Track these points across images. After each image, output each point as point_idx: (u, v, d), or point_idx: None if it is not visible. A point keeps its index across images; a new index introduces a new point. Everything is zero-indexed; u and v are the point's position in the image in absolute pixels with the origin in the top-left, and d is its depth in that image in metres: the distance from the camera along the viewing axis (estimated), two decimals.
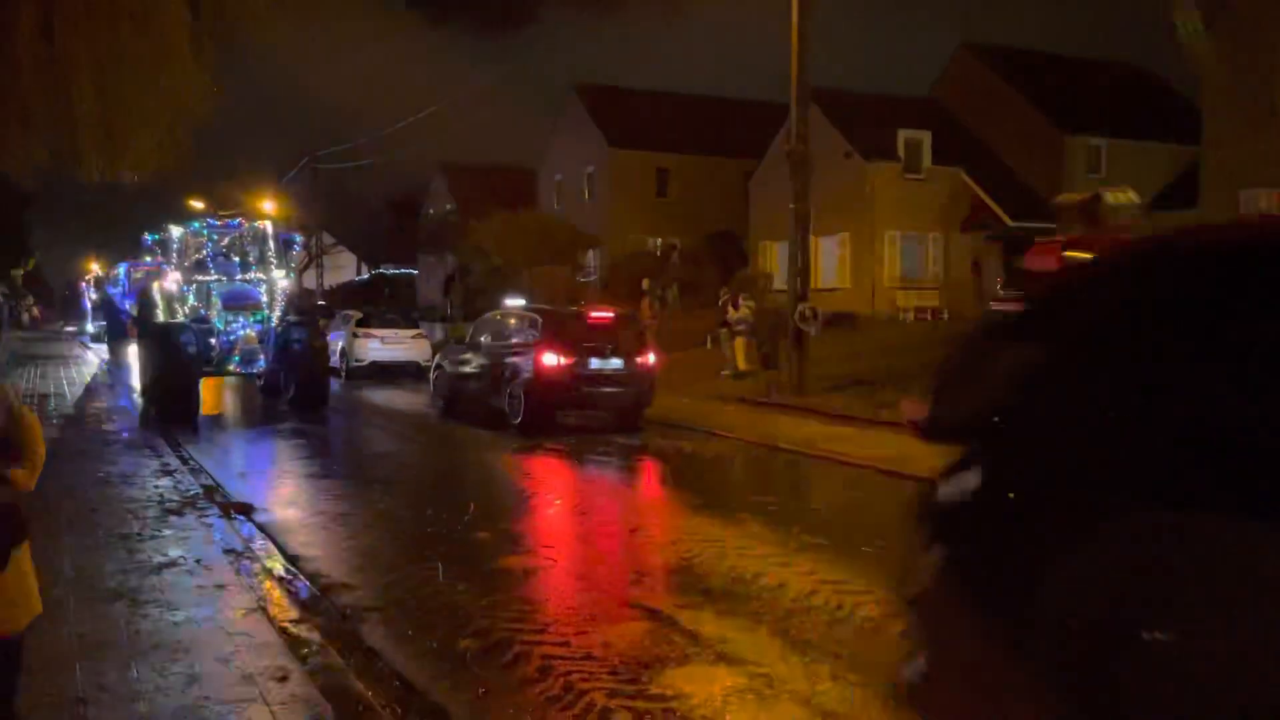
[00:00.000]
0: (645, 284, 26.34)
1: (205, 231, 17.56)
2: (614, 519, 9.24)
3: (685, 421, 15.03)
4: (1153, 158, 33.08)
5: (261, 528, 8.08)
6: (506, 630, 5.66)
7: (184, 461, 11.03)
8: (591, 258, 39.75)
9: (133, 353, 25.58)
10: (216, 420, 16.04)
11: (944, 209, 32.50)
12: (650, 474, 11.79)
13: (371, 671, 4.98)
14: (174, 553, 6.90)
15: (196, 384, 15.06)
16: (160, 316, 16.39)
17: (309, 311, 21.94)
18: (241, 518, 8.27)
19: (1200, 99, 23.56)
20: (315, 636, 5.31)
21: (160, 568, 6.52)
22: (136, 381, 18.07)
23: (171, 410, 14.22)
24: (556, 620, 5.95)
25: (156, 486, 9.34)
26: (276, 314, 16.95)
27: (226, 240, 17.74)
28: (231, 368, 16.55)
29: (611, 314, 15.84)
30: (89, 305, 46.27)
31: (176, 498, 8.81)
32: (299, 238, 18.02)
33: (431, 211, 51.57)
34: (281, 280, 17.49)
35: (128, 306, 27.74)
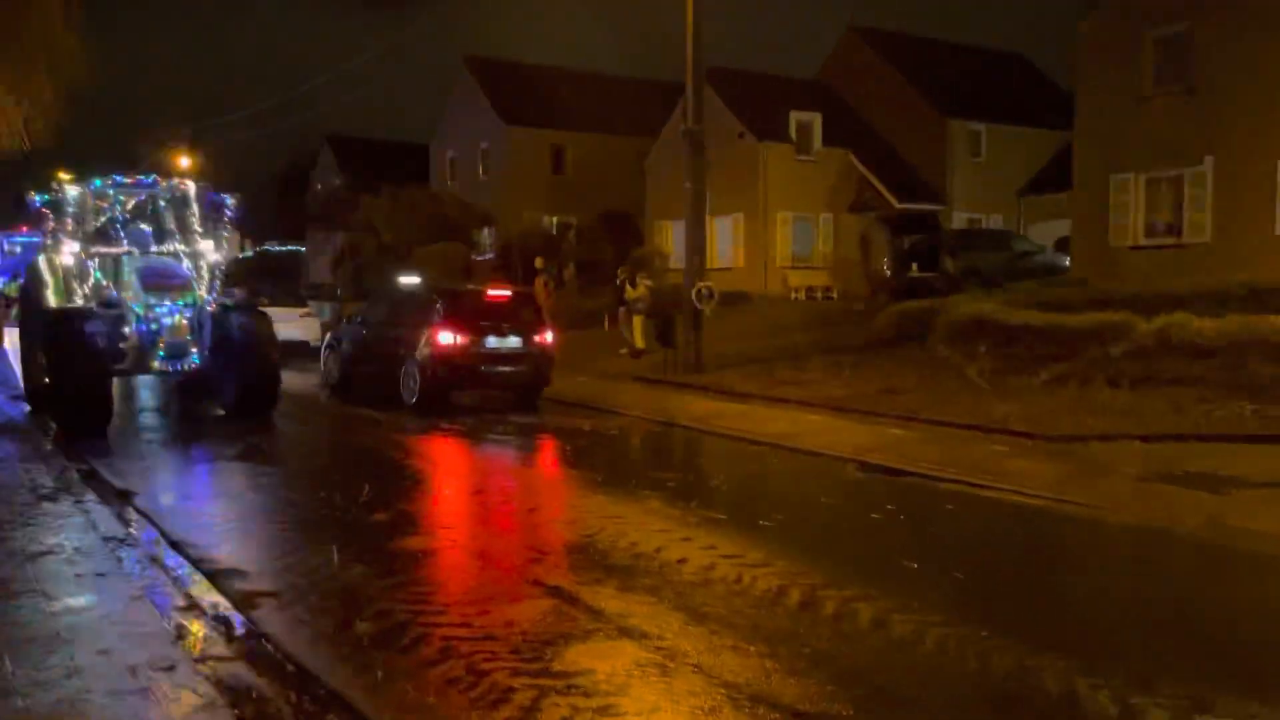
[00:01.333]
0: (539, 263, 26.16)
1: (111, 191, 13.92)
2: (513, 498, 9.18)
3: (584, 400, 15.02)
4: (1030, 142, 34.38)
5: (143, 513, 7.76)
6: (406, 612, 5.57)
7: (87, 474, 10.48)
8: (486, 236, 39.24)
9: (11, 344, 23.73)
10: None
11: (833, 190, 33.18)
12: (549, 453, 11.75)
13: (265, 659, 4.83)
14: (50, 541, 6.57)
15: (108, 386, 11.86)
16: (53, 300, 12.93)
17: (250, 292, 18.66)
18: (119, 503, 7.92)
19: (1074, 85, 24.57)
20: (203, 625, 5.13)
21: (35, 556, 6.20)
22: (18, 382, 14.82)
23: (77, 420, 11.52)
24: (457, 601, 5.89)
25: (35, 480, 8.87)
26: (207, 295, 13.49)
27: (133, 204, 14.20)
28: (156, 364, 12.83)
29: (509, 292, 15.71)
30: None
31: (50, 483, 8.38)
32: (230, 200, 14.13)
33: (320, 187, 50.09)
34: (211, 253, 13.87)
35: (1, 284, 25.64)
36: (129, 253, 13.45)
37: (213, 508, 8.39)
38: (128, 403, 15.58)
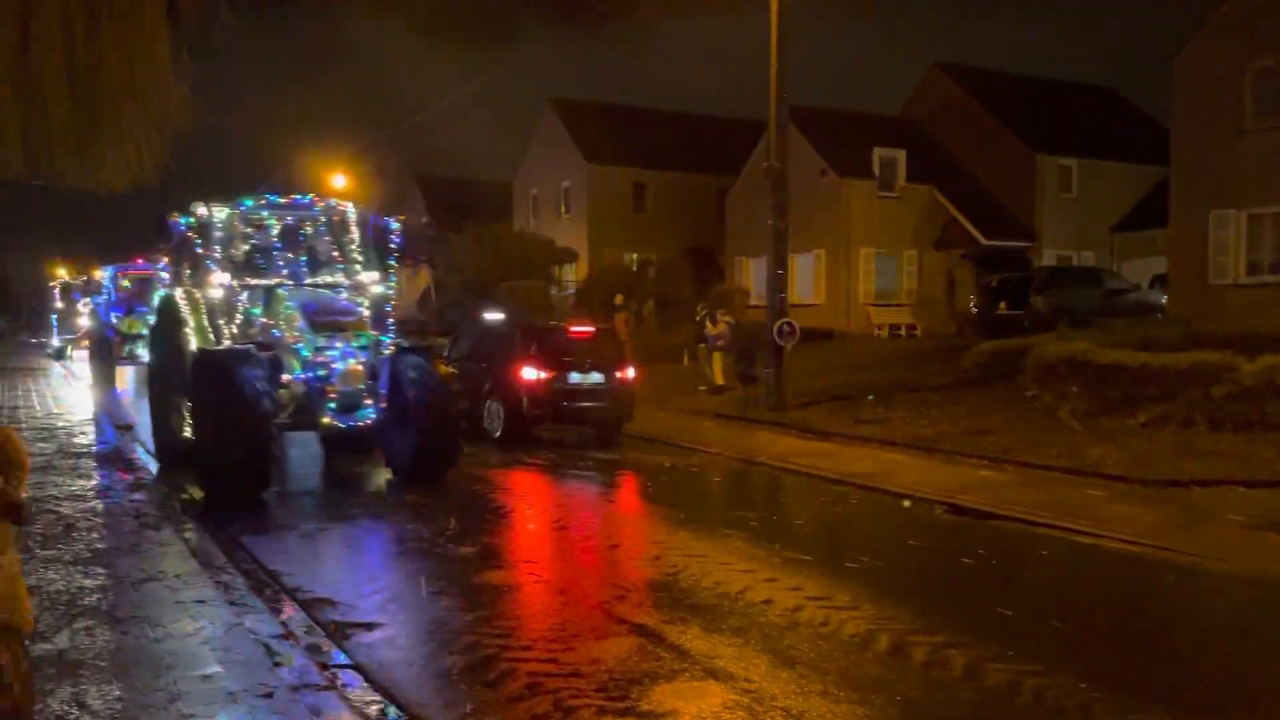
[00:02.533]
0: (619, 299, 26.36)
1: (265, 213, 12.01)
2: (595, 534, 9.20)
3: (664, 436, 15.03)
4: (1122, 178, 33.55)
5: (240, 543, 7.99)
6: (493, 646, 5.62)
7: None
8: (567, 272, 39.72)
9: (133, 384, 22.53)
10: None
11: (918, 226, 32.79)
12: (631, 489, 11.76)
13: (356, 688, 4.93)
14: (153, 568, 6.80)
15: (268, 446, 9.69)
16: (194, 340, 10.94)
17: (423, 332, 16.05)
18: (220, 532, 8.17)
19: (1169, 120, 23.96)
20: (299, 653, 5.25)
21: (138, 584, 6.42)
22: (148, 434, 12.49)
23: (228, 486, 9.37)
24: (542, 636, 5.91)
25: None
26: (383, 335, 11.25)
27: (278, 228, 12.17)
28: (325, 419, 10.64)
29: (591, 329, 15.85)
30: (55, 316, 39.36)
31: (152, 511, 8.69)
32: (395, 224, 12.15)
33: (408, 225, 51.35)
34: (375, 286, 11.89)
35: (114, 319, 22.84)
36: (285, 284, 11.52)
37: (304, 537, 8.59)
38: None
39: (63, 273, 50.62)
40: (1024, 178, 33.54)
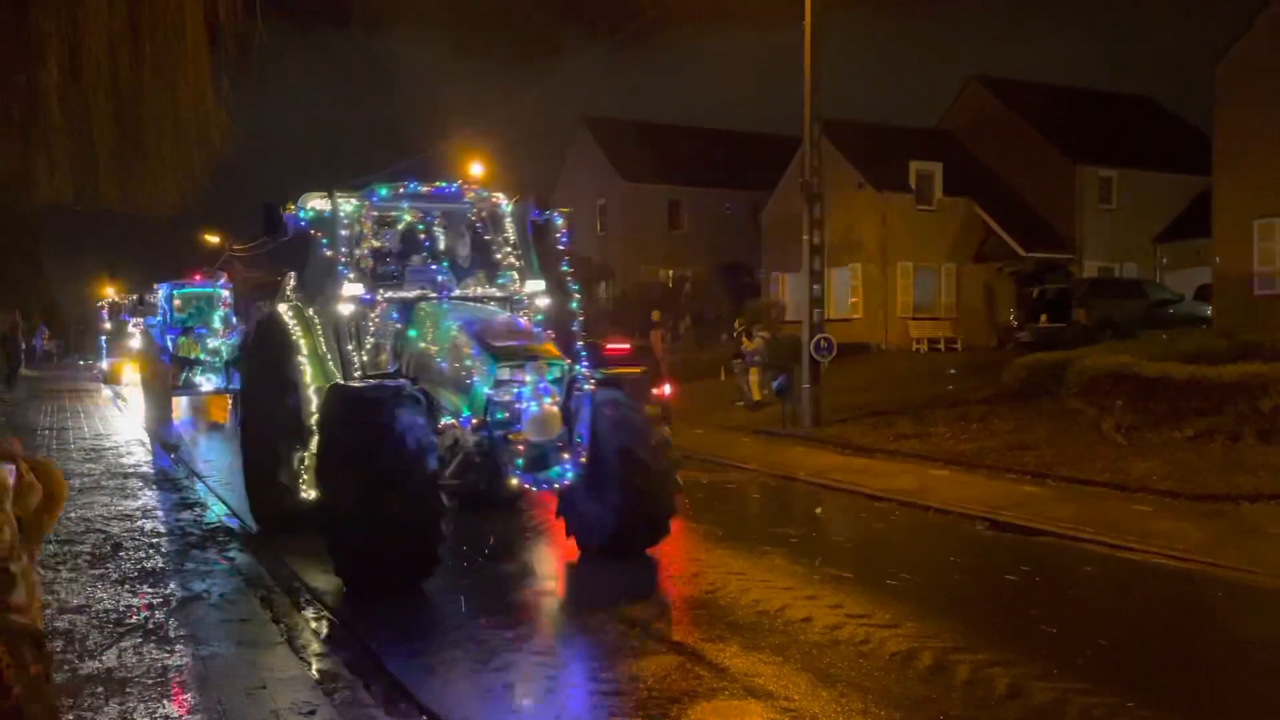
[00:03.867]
0: (655, 315, 26.39)
1: (405, 205, 9.24)
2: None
3: (702, 453, 14.98)
4: (1164, 188, 33.08)
5: (283, 561, 8.07)
6: (531, 664, 5.63)
7: None
8: (603, 289, 39.87)
9: (190, 415, 21.64)
10: None
11: (956, 239, 32.54)
12: None
13: (398, 707, 4.95)
14: (199, 587, 6.90)
15: (438, 516, 7.01)
16: (309, 370, 8.63)
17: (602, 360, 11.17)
18: (264, 550, 8.26)
19: (1210, 128, 23.62)
20: (342, 670, 5.29)
21: (185, 603, 6.52)
22: (242, 491, 9.77)
23: (382, 568, 6.90)
24: (580, 653, 5.91)
25: None
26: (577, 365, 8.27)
27: (402, 226, 9.42)
28: (514, 480, 7.65)
29: (628, 345, 15.87)
30: (104, 338, 37.40)
31: (197, 531, 8.82)
32: (560, 218, 9.33)
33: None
34: (541, 298, 9.32)
35: (169, 343, 20.14)
36: (435, 297, 8.71)
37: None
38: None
39: (110, 292, 48.98)
40: (1063, 189, 33.19)
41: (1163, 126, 37.15)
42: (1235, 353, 14.54)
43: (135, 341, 26.74)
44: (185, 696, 4.81)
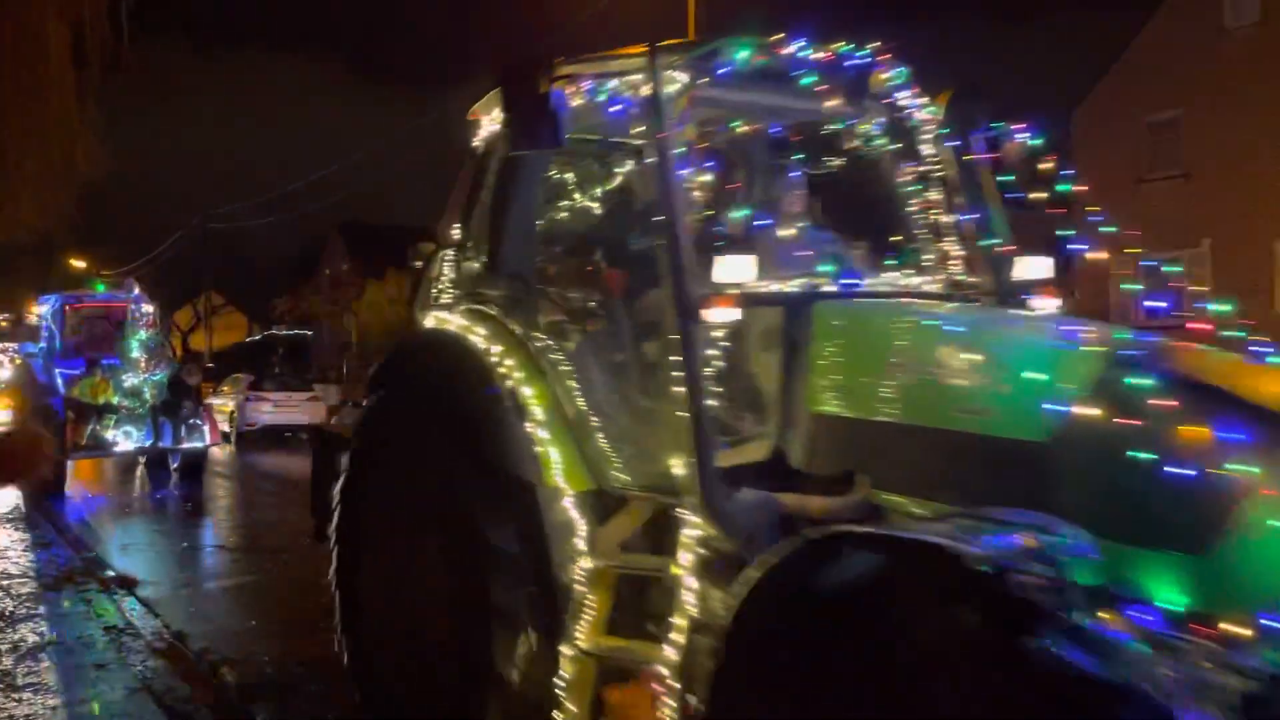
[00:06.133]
0: None
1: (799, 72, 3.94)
2: None
3: None
4: None
5: (143, 602, 7.76)
6: None
7: None
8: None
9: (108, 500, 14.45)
10: None
11: None
12: None
13: None
14: (51, 632, 6.58)
15: None
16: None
17: None
18: (122, 592, 7.92)
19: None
20: (205, 717, 5.12)
21: (37, 649, 6.20)
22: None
23: None
24: None
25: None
26: None
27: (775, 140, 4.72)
28: None
29: None
30: None
31: (54, 572, 8.40)
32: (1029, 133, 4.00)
33: (328, 272, 50.77)
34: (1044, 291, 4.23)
35: (61, 381, 14.69)
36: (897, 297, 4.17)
37: (208, 595, 8.40)
38: None
39: None
40: None
41: None
42: None
43: (4, 373, 19.86)
44: None
